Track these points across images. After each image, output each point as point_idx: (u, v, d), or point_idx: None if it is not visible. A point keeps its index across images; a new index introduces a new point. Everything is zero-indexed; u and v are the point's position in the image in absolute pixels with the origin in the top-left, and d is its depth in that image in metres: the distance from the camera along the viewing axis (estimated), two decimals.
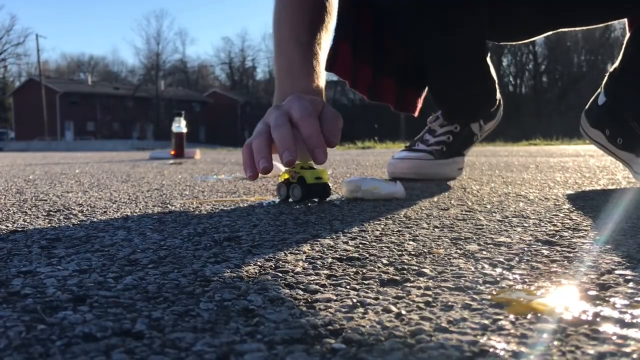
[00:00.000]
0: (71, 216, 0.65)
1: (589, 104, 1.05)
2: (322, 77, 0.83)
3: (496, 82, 1.13)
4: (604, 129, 0.99)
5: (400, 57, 1.09)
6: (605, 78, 0.98)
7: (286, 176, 0.77)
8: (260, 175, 0.67)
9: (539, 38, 1.11)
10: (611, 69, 0.97)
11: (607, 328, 0.26)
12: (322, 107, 0.71)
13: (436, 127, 1.15)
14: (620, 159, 0.98)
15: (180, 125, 2.93)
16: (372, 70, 1.04)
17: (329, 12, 0.89)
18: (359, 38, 1.00)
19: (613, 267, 0.38)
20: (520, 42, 1.16)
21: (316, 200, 0.77)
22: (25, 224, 0.59)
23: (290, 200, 0.77)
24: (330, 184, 0.78)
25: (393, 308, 0.30)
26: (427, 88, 1.15)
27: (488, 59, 1.09)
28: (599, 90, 1.01)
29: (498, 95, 1.16)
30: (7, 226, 0.58)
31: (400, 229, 0.54)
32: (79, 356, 0.24)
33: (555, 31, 1.04)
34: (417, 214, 0.64)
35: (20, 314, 0.29)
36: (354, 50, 0.98)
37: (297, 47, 0.83)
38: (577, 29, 1.05)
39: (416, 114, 1.17)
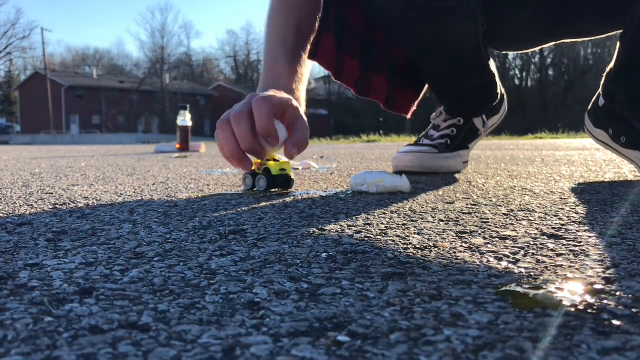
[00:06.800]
0: (77, 209, 0.65)
1: (591, 104, 1.05)
2: (303, 80, 0.89)
3: (497, 76, 1.12)
4: (607, 128, 1.00)
5: (396, 57, 1.08)
6: (603, 79, 0.98)
7: (252, 167, 0.81)
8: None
9: (540, 48, 1.11)
10: (607, 70, 0.97)
11: (613, 322, 0.26)
12: (294, 113, 0.74)
13: (440, 122, 1.15)
14: (625, 157, 0.98)
15: (185, 119, 2.93)
16: (360, 66, 1.04)
17: (317, 18, 0.92)
18: (346, 32, 0.99)
19: (619, 261, 0.38)
20: (522, 52, 1.16)
21: (277, 190, 0.81)
22: (32, 217, 0.60)
23: (256, 189, 0.81)
24: (293, 176, 0.82)
25: (398, 301, 0.30)
26: (423, 91, 1.15)
27: (491, 58, 1.08)
28: (599, 90, 1.01)
29: (500, 90, 1.15)
30: (13, 219, 0.58)
31: (405, 222, 0.54)
32: (86, 348, 0.24)
33: (557, 42, 1.04)
34: (423, 207, 0.64)
35: (27, 306, 0.29)
36: (339, 43, 0.97)
37: (282, 49, 0.89)
38: (579, 40, 1.05)
39: (409, 115, 1.16)
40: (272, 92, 0.73)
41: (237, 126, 0.69)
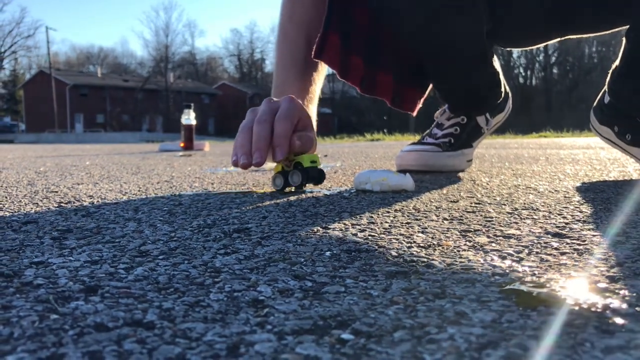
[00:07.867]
0: (82, 208, 0.65)
1: (596, 101, 1.05)
2: (314, 99, 0.90)
3: (500, 74, 1.12)
4: (612, 125, 0.99)
5: (402, 54, 1.08)
6: (608, 77, 0.98)
7: (280, 168, 0.78)
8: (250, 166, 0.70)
9: (545, 44, 1.11)
10: (612, 67, 0.97)
11: (617, 321, 0.26)
12: (304, 123, 0.76)
13: (443, 121, 1.15)
14: (630, 155, 0.98)
15: (189, 118, 2.93)
16: (365, 64, 1.03)
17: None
18: (351, 31, 0.99)
19: (623, 259, 0.38)
20: (526, 48, 1.16)
21: (305, 186, 0.79)
22: (37, 215, 0.60)
23: (287, 190, 0.78)
24: (324, 169, 0.79)
25: (402, 300, 0.30)
26: (429, 88, 1.14)
27: (494, 56, 1.08)
28: (604, 88, 1.01)
29: (504, 88, 1.15)
30: (19, 217, 0.58)
31: (409, 221, 0.54)
32: (91, 345, 0.24)
33: (561, 38, 1.04)
34: (426, 206, 0.64)
35: (33, 304, 0.29)
36: (344, 41, 0.97)
37: (293, 68, 0.90)
38: (584, 36, 1.05)
39: (414, 113, 1.16)
40: (292, 103, 0.74)
41: (258, 128, 0.70)
